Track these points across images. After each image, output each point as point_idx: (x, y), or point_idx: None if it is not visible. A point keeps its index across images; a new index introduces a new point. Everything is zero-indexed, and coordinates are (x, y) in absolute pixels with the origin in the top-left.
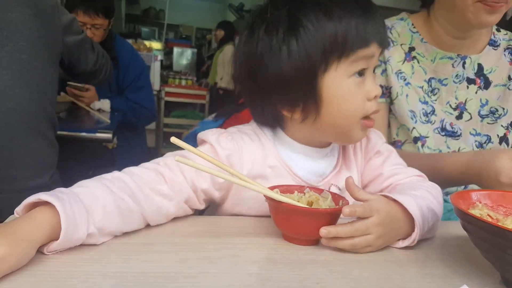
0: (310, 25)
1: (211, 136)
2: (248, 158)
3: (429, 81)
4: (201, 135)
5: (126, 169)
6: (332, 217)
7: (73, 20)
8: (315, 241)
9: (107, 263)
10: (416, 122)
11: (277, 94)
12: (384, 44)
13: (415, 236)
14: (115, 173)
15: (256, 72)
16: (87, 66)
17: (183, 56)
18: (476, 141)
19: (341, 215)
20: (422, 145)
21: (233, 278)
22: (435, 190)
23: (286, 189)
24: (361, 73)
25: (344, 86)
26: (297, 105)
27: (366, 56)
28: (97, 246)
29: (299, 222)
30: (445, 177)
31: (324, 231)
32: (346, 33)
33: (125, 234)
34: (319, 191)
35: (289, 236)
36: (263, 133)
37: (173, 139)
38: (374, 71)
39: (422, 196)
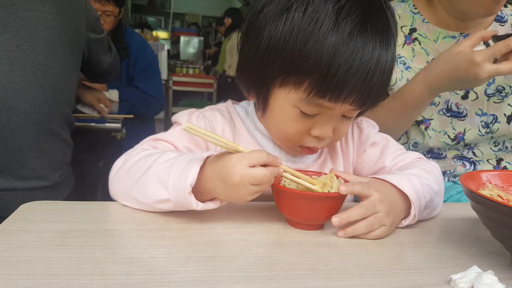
0: (299, 18)
1: (182, 117)
2: (220, 134)
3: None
4: (174, 117)
5: (125, 156)
6: (332, 201)
7: (98, 19)
8: (319, 226)
9: (117, 249)
10: None
11: (244, 66)
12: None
13: (414, 211)
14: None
15: (247, 33)
16: (103, 66)
17: (190, 45)
18: (482, 121)
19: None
20: (426, 128)
21: (242, 261)
22: (430, 166)
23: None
24: (306, 115)
25: (287, 111)
26: (252, 90)
27: (319, 105)
28: (107, 232)
29: (298, 206)
30: (414, 105)
31: (335, 219)
32: (318, 61)
33: (134, 220)
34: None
35: (293, 221)
36: (236, 113)
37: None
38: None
39: (414, 173)
